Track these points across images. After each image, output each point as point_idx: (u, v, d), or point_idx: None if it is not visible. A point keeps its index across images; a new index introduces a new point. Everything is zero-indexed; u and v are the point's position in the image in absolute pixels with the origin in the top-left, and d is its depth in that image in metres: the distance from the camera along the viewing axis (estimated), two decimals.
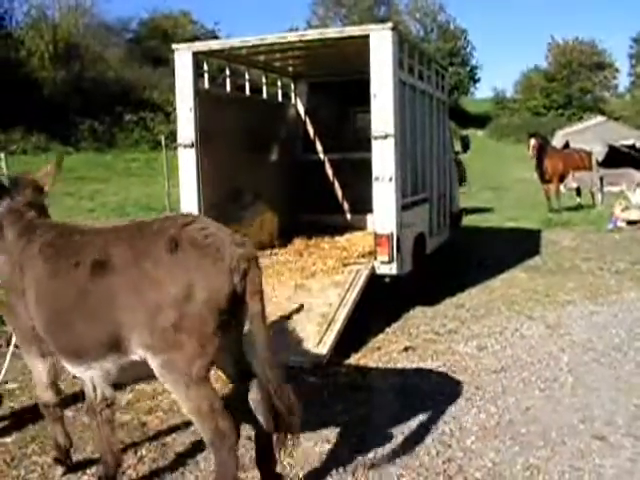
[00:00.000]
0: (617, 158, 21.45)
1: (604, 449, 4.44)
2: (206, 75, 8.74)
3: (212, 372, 3.85)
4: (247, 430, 4.72)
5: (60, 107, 28.00)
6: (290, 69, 10.91)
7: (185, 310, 3.31)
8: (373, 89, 7.35)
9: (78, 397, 5.17)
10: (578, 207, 17.84)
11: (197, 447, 4.52)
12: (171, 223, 3.54)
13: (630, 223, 14.11)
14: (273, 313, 6.82)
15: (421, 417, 5.01)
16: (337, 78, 10.76)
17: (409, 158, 8.18)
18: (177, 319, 3.32)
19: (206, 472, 4.21)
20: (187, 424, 4.91)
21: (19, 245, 3.95)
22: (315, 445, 4.57)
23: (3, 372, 4.89)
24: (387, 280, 7.59)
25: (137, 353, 3.48)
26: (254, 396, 3.74)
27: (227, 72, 9.40)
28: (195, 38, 31.19)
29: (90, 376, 3.80)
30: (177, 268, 3.35)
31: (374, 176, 7.40)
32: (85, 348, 3.60)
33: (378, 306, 7.68)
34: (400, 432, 4.76)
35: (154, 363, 3.44)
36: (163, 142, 15.02)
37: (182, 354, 3.35)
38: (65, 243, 3.77)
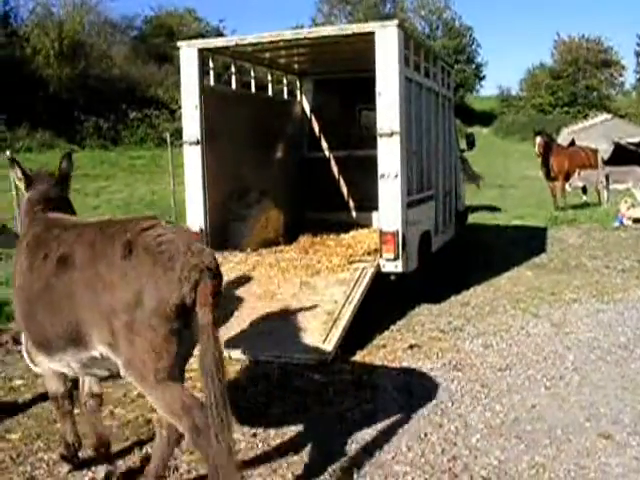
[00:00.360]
0: (623, 156, 21.39)
1: (610, 447, 4.43)
2: (211, 72, 8.74)
3: None
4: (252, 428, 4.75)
5: (65, 104, 28.02)
6: (295, 66, 10.90)
7: (135, 316, 3.34)
8: (379, 87, 7.34)
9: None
10: (584, 205, 17.80)
11: None
12: (131, 227, 3.55)
13: (636, 221, 14.06)
14: (278, 310, 6.86)
15: (426, 415, 5.00)
16: (343, 75, 10.74)
17: (415, 156, 8.17)
18: (129, 323, 3.35)
19: None
20: None
21: (21, 237, 4.18)
22: (320, 442, 4.56)
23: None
24: (392, 278, 7.58)
25: (98, 349, 3.54)
26: None
27: (232, 69, 9.40)
28: (200, 35, 31.19)
29: (56, 367, 3.93)
30: (128, 274, 3.37)
31: (380, 174, 7.40)
32: (48, 340, 3.71)
33: (383, 304, 7.68)
34: (405, 430, 4.75)
35: (118, 362, 3.49)
36: (168, 139, 15.02)
37: (139, 356, 3.38)
38: (45, 237, 3.88)
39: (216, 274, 3.43)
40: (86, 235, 3.65)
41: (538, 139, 17.81)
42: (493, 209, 17.16)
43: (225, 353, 6.13)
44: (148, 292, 3.32)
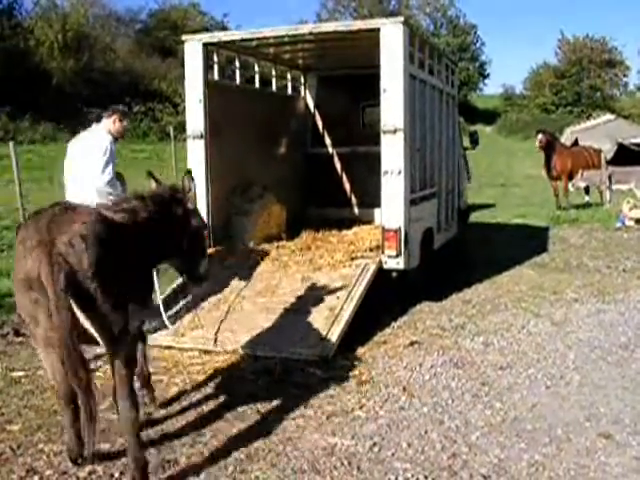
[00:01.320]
0: (626, 156, 21.35)
1: (610, 447, 4.43)
2: (216, 67, 8.72)
3: None
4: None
5: (69, 97, 28.07)
6: (300, 62, 10.87)
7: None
8: (383, 83, 7.33)
9: None
10: (586, 205, 17.77)
11: (200, 437, 4.55)
12: (40, 213, 3.94)
13: (638, 221, 14.03)
14: (279, 306, 6.86)
15: (426, 412, 5.01)
16: (347, 71, 10.72)
17: (418, 153, 8.16)
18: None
19: (216, 465, 4.21)
20: (185, 412, 4.98)
21: None
22: (321, 438, 4.57)
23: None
24: (394, 275, 7.58)
25: None
26: None
27: (237, 64, 9.39)
28: (204, 29, 31.24)
29: None
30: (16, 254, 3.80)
31: (383, 170, 7.39)
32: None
33: (385, 300, 7.67)
34: (405, 426, 4.76)
35: None
36: (172, 133, 15.04)
37: (28, 324, 3.83)
38: None
39: (62, 253, 3.51)
40: None
41: (540, 136, 17.71)
42: (495, 207, 17.13)
43: (220, 347, 6.22)
44: (14, 269, 3.73)
